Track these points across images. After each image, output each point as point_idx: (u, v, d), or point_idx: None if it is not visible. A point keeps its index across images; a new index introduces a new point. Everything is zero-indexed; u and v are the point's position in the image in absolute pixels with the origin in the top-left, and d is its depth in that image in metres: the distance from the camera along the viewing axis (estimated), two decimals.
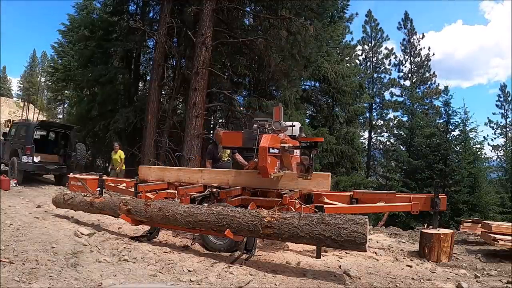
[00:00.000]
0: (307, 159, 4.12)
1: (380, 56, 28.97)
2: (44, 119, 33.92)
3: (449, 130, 14.99)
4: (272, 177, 4.22)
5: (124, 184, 6.23)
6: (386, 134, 27.05)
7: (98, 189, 6.07)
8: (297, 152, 5.05)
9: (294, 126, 5.67)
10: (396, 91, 28.13)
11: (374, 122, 27.48)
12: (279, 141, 4.28)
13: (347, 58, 20.17)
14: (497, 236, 4.51)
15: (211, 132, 16.16)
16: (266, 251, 4.28)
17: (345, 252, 4.36)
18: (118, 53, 15.16)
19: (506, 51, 70.22)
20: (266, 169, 4.01)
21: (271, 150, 4.02)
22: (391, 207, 4.69)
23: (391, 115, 27.39)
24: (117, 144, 11.25)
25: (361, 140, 22.42)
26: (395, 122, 26.18)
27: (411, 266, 4.02)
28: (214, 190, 4.64)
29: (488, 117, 31.98)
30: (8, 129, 14.89)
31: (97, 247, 4.01)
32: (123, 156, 11.17)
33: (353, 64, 21.51)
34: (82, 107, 17.57)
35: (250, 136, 4.49)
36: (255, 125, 4.61)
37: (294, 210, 3.96)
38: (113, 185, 6.30)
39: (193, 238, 4.54)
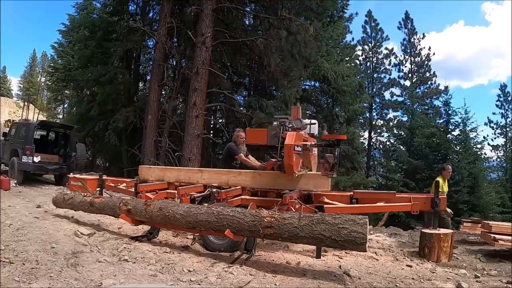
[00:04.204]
0: (332, 157, 4.03)
1: (380, 56, 28.99)
2: (44, 119, 33.93)
3: (449, 130, 15.02)
4: (296, 175, 4.16)
5: (124, 184, 6.23)
6: (386, 134, 27.07)
7: (98, 189, 6.08)
8: (315, 151, 4.92)
9: (314, 123, 5.15)
10: (396, 91, 28.24)
11: (374, 122, 27.50)
12: (301, 139, 4.21)
13: (347, 58, 20.10)
14: (497, 236, 4.52)
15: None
16: (266, 251, 4.28)
17: (345, 252, 4.36)
18: (118, 53, 15.12)
19: (506, 52, 70.31)
20: (292, 167, 3.94)
21: (296, 148, 3.95)
22: (391, 207, 4.68)
23: (391, 115, 27.48)
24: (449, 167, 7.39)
25: (361, 140, 22.41)
26: (395, 122, 26.20)
27: (411, 266, 4.02)
28: (214, 190, 4.63)
29: (488, 117, 31.96)
30: (8, 129, 14.91)
31: (97, 247, 4.01)
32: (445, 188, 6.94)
33: (353, 64, 21.47)
34: (82, 107, 17.57)
35: (274, 134, 4.40)
36: (275, 123, 4.50)
37: (294, 210, 3.96)
38: (113, 185, 6.31)
39: (193, 238, 4.54)
